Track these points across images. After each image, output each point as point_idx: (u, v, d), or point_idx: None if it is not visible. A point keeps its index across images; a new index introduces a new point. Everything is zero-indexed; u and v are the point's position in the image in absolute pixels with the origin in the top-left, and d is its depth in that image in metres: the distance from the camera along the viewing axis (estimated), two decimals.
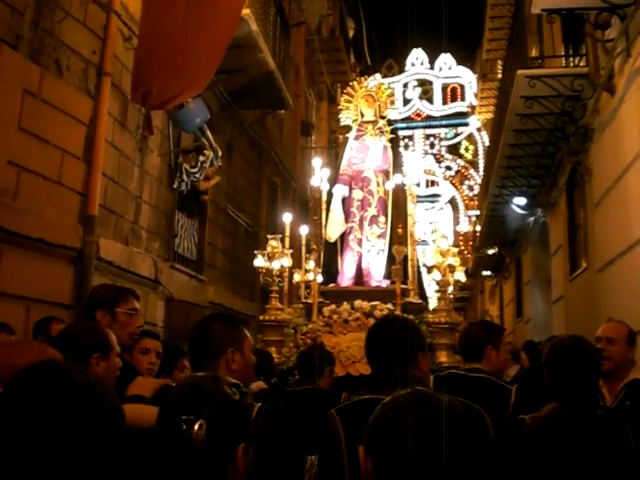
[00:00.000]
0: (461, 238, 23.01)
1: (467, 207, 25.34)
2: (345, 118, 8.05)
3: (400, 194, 7.44)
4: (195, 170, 8.57)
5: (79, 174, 6.20)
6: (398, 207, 7.43)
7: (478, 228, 20.07)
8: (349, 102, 8.03)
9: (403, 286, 6.82)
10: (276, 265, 6.87)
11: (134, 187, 7.45)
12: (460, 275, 7.12)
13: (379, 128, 7.83)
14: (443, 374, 3.22)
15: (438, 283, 6.87)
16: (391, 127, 7.93)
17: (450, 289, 6.80)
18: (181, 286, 8.75)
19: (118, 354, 2.75)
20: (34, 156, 5.55)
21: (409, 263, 7.00)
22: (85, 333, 2.72)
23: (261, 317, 6.95)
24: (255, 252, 7.03)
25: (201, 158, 8.57)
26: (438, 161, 26.18)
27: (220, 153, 8.80)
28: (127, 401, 2.45)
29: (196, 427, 1.35)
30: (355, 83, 8.37)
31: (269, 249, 6.92)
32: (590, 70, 7.82)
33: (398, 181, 7.37)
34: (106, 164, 6.57)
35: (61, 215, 5.96)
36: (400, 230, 7.08)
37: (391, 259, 7.10)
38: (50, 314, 5.05)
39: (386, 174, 7.59)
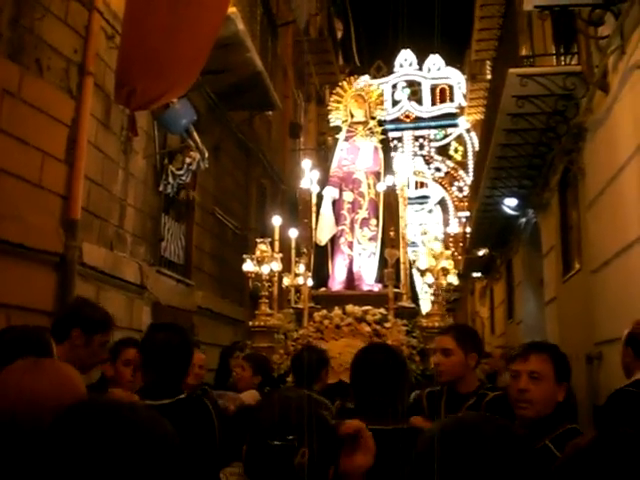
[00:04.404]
0: (451, 239, 22.94)
1: (457, 208, 25.29)
2: (335, 119, 7.89)
3: (392, 196, 7.29)
4: (181, 172, 8.38)
5: (61, 177, 6.01)
6: (390, 209, 7.29)
7: (468, 229, 19.99)
8: (339, 102, 7.88)
9: (395, 290, 6.67)
10: (265, 269, 6.70)
11: (118, 190, 7.26)
12: (453, 278, 6.99)
13: (369, 129, 7.69)
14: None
15: (430, 286, 6.73)
16: (381, 128, 7.78)
17: (444, 293, 6.66)
18: (168, 291, 8.56)
19: None
20: (14, 158, 5.36)
21: (401, 266, 6.84)
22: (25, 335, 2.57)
23: (250, 323, 6.79)
24: (244, 256, 6.87)
25: (187, 160, 8.38)
26: (427, 162, 26.12)
27: (207, 155, 8.61)
28: None
29: (299, 455, 1.37)
30: (345, 83, 8.22)
31: (258, 253, 6.76)
32: (583, 68, 7.70)
33: (389, 183, 7.22)
34: (89, 166, 6.37)
35: (42, 219, 5.77)
36: (392, 233, 6.93)
37: (383, 262, 6.96)
38: (32, 322, 4.86)
39: (377, 176, 7.44)
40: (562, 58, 9.46)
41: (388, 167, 7.52)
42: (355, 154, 7.59)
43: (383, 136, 7.80)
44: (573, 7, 6.85)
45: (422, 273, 6.59)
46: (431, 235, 6.93)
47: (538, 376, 2.60)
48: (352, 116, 7.78)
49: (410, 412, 2.74)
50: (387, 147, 7.94)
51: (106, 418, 1.14)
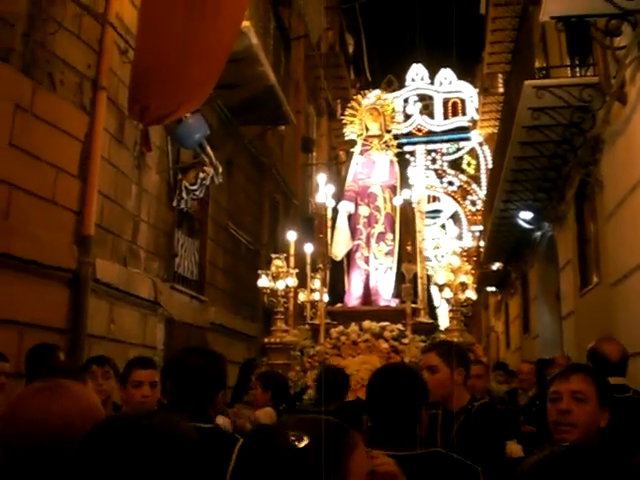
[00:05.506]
0: (464, 254, 22.77)
1: (470, 222, 25.13)
2: (350, 132, 7.81)
3: (408, 210, 7.19)
4: (195, 187, 8.32)
5: (74, 192, 5.94)
6: (406, 223, 7.18)
7: (482, 243, 19.84)
8: (353, 116, 7.80)
9: (413, 305, 6.55)
10: (281, 285, 6.62)
11: (132, 205, 7.20)
12: (471, 293, 6.88)
13: (385, 142, 7.60)
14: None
15: (449, 301, 6.62)
16: (397, 141, 7.69)
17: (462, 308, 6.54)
18: (182, 307, 8.48)
19: None
20: (26, 174, 5.31)
21: (419, 281, 6.73)
22: None
23: (266, 339, 6.69)
24: (259, 272, 6.78)
25: (201, 175, 8.31)
26: (440, 176, 25.98)
27: (220, 170, 8.55)
28: None
29: None
30: (359, 97, 8.16)
31: (274, 269, 6.67)
32: (600, 79, 7.61)
33: (406, 196, 7.12)
34: (102, 182, 6.31)
35: (55, 235, 5.70)
36: (409, 247, 6.81)
37: (400, 277, 6.85)
38: (44, 339, 4.80)
39: (393, 189, 7.34)
40: (577, 70, 9.37)
41: (404, 181, 7.42)
42: (370, 168, 7.51)
43: (399, 149, 7.71)
44: (590, 17, 6.76)
45: (440, 288, 6.49)
46: (447, 250, 6.82)
47: (582, 397, 2.41)
48: (367, 129, 7.70)
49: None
50: (403, 161, 7.84)
51: (131, 431, 1.25)
